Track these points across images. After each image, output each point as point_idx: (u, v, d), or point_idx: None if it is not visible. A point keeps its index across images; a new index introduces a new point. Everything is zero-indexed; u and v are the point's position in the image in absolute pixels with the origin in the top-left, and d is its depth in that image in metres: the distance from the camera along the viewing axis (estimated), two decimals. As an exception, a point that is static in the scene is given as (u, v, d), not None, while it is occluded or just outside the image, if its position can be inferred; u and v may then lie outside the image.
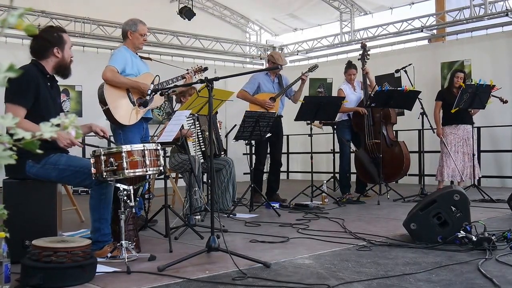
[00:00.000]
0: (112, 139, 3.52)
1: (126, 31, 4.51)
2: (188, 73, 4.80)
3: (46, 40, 3.24)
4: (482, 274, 2.67)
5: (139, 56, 4.62)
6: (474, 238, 3.33)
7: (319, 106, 5.94)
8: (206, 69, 4.94)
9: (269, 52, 11.56)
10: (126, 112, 4.31)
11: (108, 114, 4.27)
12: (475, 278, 2.63)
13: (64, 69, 3.37)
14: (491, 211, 5.20)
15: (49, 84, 3.31)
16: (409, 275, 2.70)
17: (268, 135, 5.65)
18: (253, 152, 5.69)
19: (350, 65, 6.88)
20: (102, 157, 3.05)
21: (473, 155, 6.55)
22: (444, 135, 6.72)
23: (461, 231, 3.43)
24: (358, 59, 6.96)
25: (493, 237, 3.31)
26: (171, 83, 4.55)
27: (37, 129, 0.98)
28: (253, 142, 5.63)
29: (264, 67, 11.40)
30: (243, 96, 6.22)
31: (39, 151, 0.98)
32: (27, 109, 3.09)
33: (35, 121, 3.01)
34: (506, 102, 6.57)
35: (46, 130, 0.96)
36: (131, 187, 3.15)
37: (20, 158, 1.03)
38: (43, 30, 3.37)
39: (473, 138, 6.63)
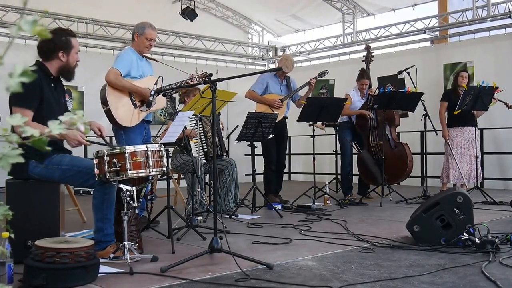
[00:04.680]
0: (108, 139, 3.53)
1: (134, 33, 4.51)
2: (191, 79, 4.78)
3: (53, 43, 3.23)
4: (486, 277, 2.66)
5: (145, 56, 4.61)
6: (477, 241, 3.32)
7: (322, 107, 5.93)
8: (211, 75, 4.93)
9: (271, 53, 11.62)
10: (127, 113, 4.31)
11: (109, 115, 4.27)
12: (479, 280, 2.63)
13: (67, 73, 3.37)
14: (494, 213, 5.19)
15: (52, 85, 3.31)
16: (412, 278, 2.70)
17: (271, 136, 5.64)
18: (256, 153, 5.68)
19: (363, 75, 6.72)
20: (106, 158, 3.05)
21: (476, 157, 6.50)
22: (450, 137, 6.61)
23: (464, 234, 3.42)
24: (362, 61, 6.97)
25: (496, 240, 3.30)
26: (174, 87, 4.55)
27: (45, 129, 0.98)
28: (255, 143, 5.63)
29: (266, 68, 11.39)
30: (251, 96, 6.20)
31: (48, 148, 0.99)
32: (33, 111, 3.09)
33: (38, 123, 3.02)
34: (511, 107, 6.52)
35: (54, 128, 0.95)
36: (134, 187, 3.15)
37: (23, 158, 1.02)
38: (53, 31, 3.35)
39: (476, 140, 6.59)
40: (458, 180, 6.51)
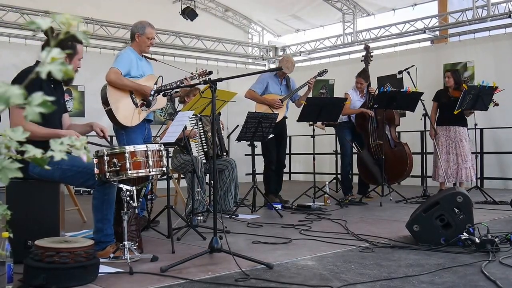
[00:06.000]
0: (109, 139, 3.53)
1: (134, 33, 4.51)
2: (191, 77, 4.78)
3: (58, 45, 3.22)
4: (486, 276, 2.67)
5: (144, 56, 4.62)
6: (477, 240, 3.32)
7: (322, 107, 5.92)
8: (210, 72, 4.94)
9: (271, 53, 11.62)
10: (128, 113, 4.32)
11: (110, 115, 4.27)
12: (479, 280, 2.63)
13: (66, 78, 3.37)
14: (494, 213, 5.19)
15: (52, 85, 3.31)
16: (412, 277, 2.70)
17: (271, 136, 5.64)
18: (257, 153, 5.68)
19: (360, 74, 6.72)
20: (105, 158, 3.05)
21: (476, 156, 6.43)
22: (437, 136, 6.61)
23: (464, 233, 3.42)
24: (362, 61, 6.97)
25: (496, 239, 3.31)
26: (174, 86, 4.56)
27: (43, 131, 0.98)
28: (255, 143, 5.63)
29: (267, 68, 11.39)
30: (251, 96, 6.19)
31: (47, 168, 0.98)
32: None
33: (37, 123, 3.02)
34: (497, 105, 6.49)
35: (56, 149, 0.95)
36: (134, 187, 3.15)
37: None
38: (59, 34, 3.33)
39: (465, 139, 6.52)
40: (446, 179, 6.46)
